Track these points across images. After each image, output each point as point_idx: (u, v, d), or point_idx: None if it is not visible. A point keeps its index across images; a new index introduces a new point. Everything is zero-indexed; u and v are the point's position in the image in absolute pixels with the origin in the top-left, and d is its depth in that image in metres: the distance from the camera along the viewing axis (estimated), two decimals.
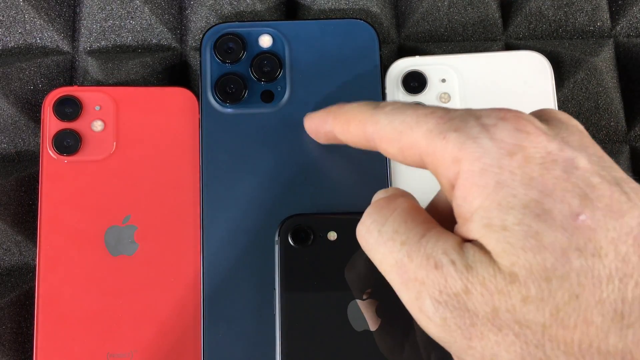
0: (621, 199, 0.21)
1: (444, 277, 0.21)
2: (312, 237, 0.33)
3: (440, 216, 0.26)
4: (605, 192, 0.21)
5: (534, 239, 0.20)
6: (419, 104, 0.25)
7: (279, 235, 0.33)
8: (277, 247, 0.33)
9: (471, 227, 0.22)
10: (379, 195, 0.27)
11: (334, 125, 0.29)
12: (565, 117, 0.24)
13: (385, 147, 0.25)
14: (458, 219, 0.23)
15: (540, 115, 0.24)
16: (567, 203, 0.20)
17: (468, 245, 0.22)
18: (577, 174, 0.21)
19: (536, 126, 0.22)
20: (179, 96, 0.37)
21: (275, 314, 0.32)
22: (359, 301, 0.32)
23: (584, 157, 0.22)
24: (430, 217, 0.25)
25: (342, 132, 0.29)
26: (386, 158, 0.36)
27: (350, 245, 0.33)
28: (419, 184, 0.36)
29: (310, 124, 0.33)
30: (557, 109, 0.37)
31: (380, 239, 0.24)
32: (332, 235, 0.33)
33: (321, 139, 0.32)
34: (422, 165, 0.24)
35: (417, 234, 0.23)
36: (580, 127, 0.24)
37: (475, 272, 0.21)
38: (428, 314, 0.22)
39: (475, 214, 0.22)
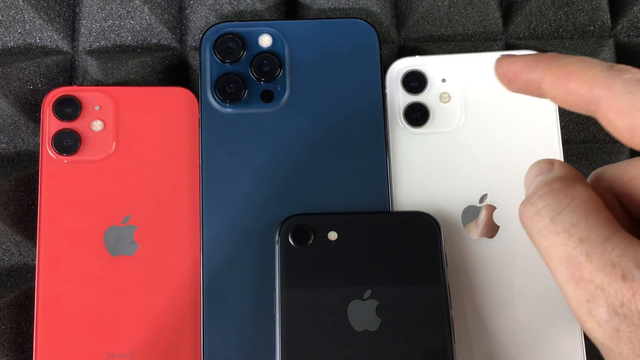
0: None
1: (632, 292, 0.20)
2: (312, 236, 0.33)
3: (619, 207, 0.24)
4: None
5: None
6: None
7: (279, 235, 0.33)
8: (277, 247, 0.33)
9: None
10: (542, 167, 0.25)
11: (545, 75, 0.25)
12: None
13: (612, 118, 0.22)
14: None
15: None
16: None
17: None
18: None
19: None
20: (179, 96, 0.37)
21: (275, 314, 0.32)
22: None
23: None
24: (612, 216, 0.23)
25: (555, 86, 0.24)
26: (386, 158, 0.36)
27: (350, 245, 0.33)
28: (419, 184, 0.36)
29: (508, 68, 0.27)
30: (557, 109, 0.37)
31: (552, 228, 0.22)
32: (333, 235, 0.33)
33: (514, 87, 0.27)
34: None
35: (600, 235, 0.22)
36: None
37: None
38: (599, 320, 0.21)
39: None
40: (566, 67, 0.24)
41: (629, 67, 0.23)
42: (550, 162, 0.25)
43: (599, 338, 0.21)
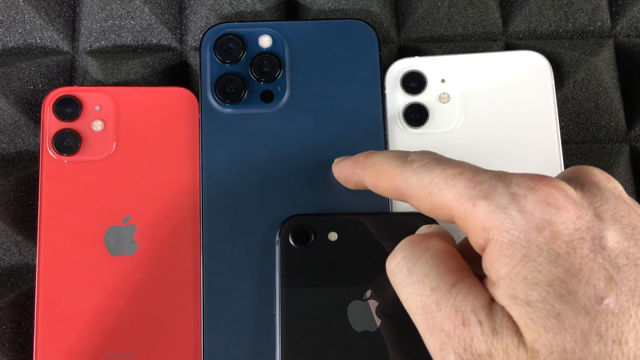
0: None
1: (470, 336, 0.21)
2: (312, 237, 0.33)
3: (472, 255, 0.26)
4: (631, 274, 0.21)
5: (555, 319, 0.20)
6: (446, 160, 0.25)
7: (279, 236, 0.33)
8: (277, 247, 0.33)
9: (497, 293, 0.22)
10: (419, 230, 0.27)
11: (363, 176, 0.30)
12: (602, 179, 0.24)
13: (417, 204, 0.26)
14: (487, 279, 0.23)
15: (577, 177, 0.24)
16: (592, 285, 0.21)
17: (498, 307, 0.22)
18: (604, 254, 0.21)
19: (567, 197, 0.22)
20: (179, 96, 0.37)
21: (275, 314, 0.32)
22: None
23: (615, 232, 0.22)
24: (464, 263, 0.25)
25: (373, 185, 0.29)
26: None
27: (350, 246, 0.33)
28: None
29: (340, 174, 0.33)
30: (556, 109, 0.37)
31: (409, 279, 0.24)
32: (333, 236, 0.33)
33: (351, 187, 0.33)
34: (453, 223, 0.24)
35: (447, 283, 0.23)
36: (618, 190, 0.23)
37: (500, 339, 0.21)
38: None
39: (501, 282, 0.22)
40: (374, 167, 0.29)
41: (418, 156, 0.26)
42: (428, 226, 0.27)
43: None
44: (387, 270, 0.25)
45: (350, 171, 0.31)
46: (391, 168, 0.27)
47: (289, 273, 0.33)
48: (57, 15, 0.41)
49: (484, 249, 0.23)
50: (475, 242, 0.23)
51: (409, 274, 0.24)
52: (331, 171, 0.35)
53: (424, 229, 0.27)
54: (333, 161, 0.35)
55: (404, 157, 0.27)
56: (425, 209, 0.25)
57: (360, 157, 0.31)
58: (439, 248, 0.25)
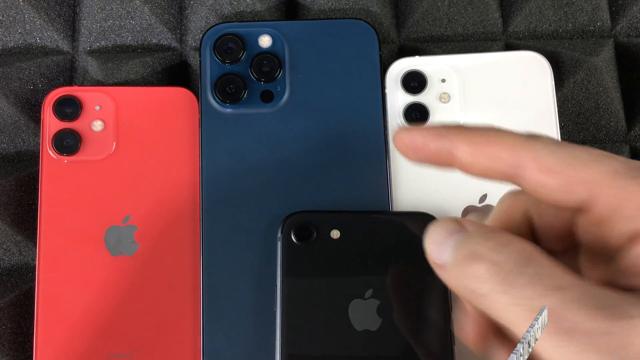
0: None
1: (628, 332, 0.19)
2: (314, 234, 0.33)
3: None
4: None
5: None
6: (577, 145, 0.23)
7: (281, 232, 0.33)
8: (279, 244, 0.33)
9: None
10: (450, 227, 0.23)
11: (460, 143, 0.24)
12: None
13: (541, 178, 0.22)
14: (626, 271, 0.21)
15: None
16: None
17: None
18: None
19: None
20: (179, 96, 0.37)
21: (276, 311, 0.32)
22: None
23: None
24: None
25: (474, 153, 0.24)
26: (385, 158, 0.36)
27: (352, 244, 0.33)
28: (419, 184, 0.36)
29: (415, 138, 0.26)
30: (556, 109, 0.37)
31: (516, 280, 0.21)
32: (335, 234, 0.33)
33: (421, 157, 0.26)
34: (586, 205, 0.22)
35: (574, 280, 0.20)
36: None
37: None
38: None
39: None
40: (485, 135, 0.24)
41: (542, 134, 0.23)
42: (456, 221, 0.23)
43: None
44: (468, 279, 0.22)
45: (435, 136, 0.25)
46: (512, 137, 0.23)
47: (291, 270, 0.33)
48: (57, 15, 0.41)
49: (632, 239, 0.21)
50: (624, 229, 0.21)
51: (518, 275, 0.21)
52: (331, 171, 0.35)
53: (473, 217, 0.24)
54: (332, 161, 0.35)
55: (528, 133, 0.23)
56: (553, 184, 0.22)
57: (452, 124, 0.25)
58: (529, 245, 0.22)
